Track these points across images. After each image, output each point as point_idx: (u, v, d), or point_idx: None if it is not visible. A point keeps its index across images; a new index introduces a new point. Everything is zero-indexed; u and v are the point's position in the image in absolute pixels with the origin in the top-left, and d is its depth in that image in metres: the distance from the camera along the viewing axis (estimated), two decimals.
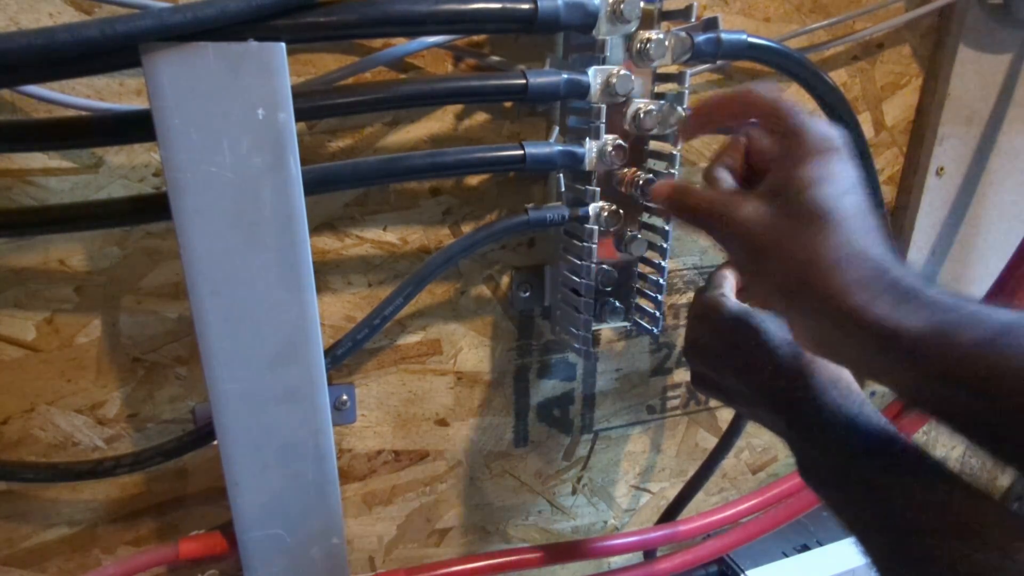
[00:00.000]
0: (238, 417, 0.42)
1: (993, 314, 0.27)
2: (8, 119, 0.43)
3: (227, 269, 0.38)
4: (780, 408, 0.38)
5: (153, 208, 0.44)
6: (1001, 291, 0.63)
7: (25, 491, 0.52)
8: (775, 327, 0.39)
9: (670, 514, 0.71)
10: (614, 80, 0.47)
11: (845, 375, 0.38)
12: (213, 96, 0.35)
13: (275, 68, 0.36)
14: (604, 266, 0.54)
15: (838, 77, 0.65)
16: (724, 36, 0.49)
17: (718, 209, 0.35)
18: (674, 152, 0.51)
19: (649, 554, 0.69)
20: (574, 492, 0.72)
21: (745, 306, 0.42)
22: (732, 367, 0.41)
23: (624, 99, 0.49)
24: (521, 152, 0.48)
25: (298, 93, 0.39)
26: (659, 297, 0.55)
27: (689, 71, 0.51)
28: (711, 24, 0.48)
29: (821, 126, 0.33)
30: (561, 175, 0.52)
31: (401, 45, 0.49)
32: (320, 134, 0.50)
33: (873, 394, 0.81)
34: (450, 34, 0.49)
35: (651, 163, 0.53)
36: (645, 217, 0.55)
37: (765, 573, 0.73)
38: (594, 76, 0.47)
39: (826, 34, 0.62)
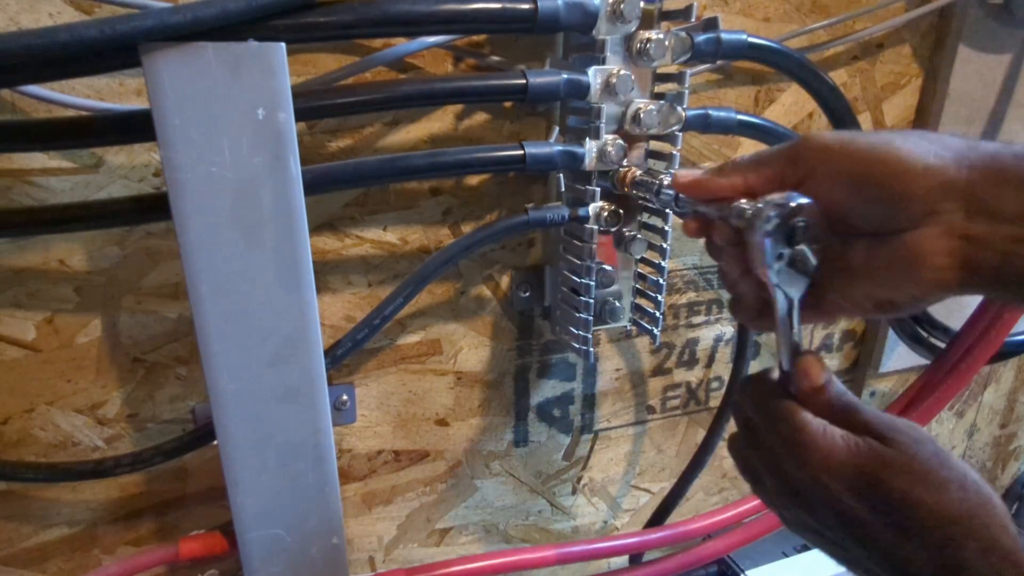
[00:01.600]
0: (238, 417, 0.42)
1: None
2: (8, 119, 0.43)
3: (227, 269, 0.38)
4: None
5: (153, 208, 0.44)
6: None
7: (25, 491, 0.52)
8: (923, 478, 0.29)
9: (658, 518, 0.71)
10: (614, 80, 0.47)
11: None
12: (213, 96, 0.35)
13: (275, 68, 0.36)
14: (604, 266, 0.54)
15: (838, 77, 0.65)
16: (724, 36, 0.49)
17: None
18: (674, 152, 0.51)
19: (635, 558, 0.69)
20: (574, 492, 0.72)
21: (872, 451, 0.30)
22: (853, 533, 0.30)
23: (624, 99, 0.49)
24: (521, 152, 0.48)
25: (298, 93, 0.39)
26: (659, 297, 0.55)
27: (689, 71, 0.51)
28: (711, 24, 0.48)
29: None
30: (561, 175, 0.52)
31: (401, 45, 0.49)
32: (320, 134, 0.50)
33: (873, 394, 0.81)
34: (450, 34, 0.49)
35: (651, 163, 0.53)
36: (645, 217, 0.55)
37: (765, 573, 0.73)
38: (594, 76, 0.47)
39: (826, 34, 0.62)
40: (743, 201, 0.33)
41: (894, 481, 0.28)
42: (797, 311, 0.33)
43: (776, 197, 0.32)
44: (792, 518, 0.34)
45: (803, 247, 0.32)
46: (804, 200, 0.31)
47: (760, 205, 0.32)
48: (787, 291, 0.33)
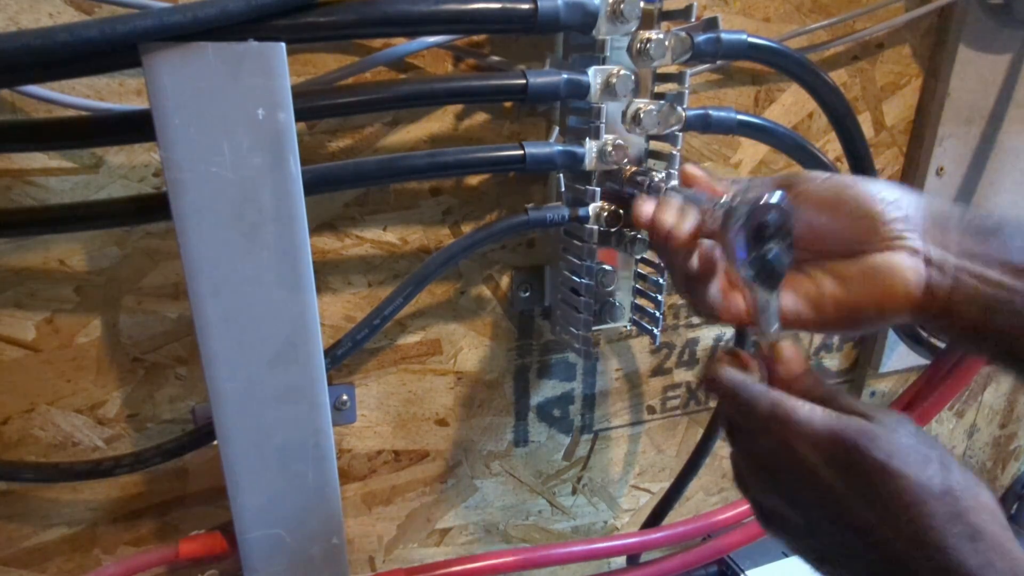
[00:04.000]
0: (238, 417, 0.42)
1: None
2: (8, 119, 0.43)
3: (227, 269, 0.38)
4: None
5: (153, 208, 0.44)
6: None
7: (25, 491, 0.52)
8: (910, 455, 0.28)
9: (655, 519, 0.72)
10: (614, 80, 0.47)
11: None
12: (213, 96, 0.35)
13: (275, 68, 0.36)
14: (604, 266, 0.54)
15: (838, 77, 0.65)
16: (724, 36, 0.49)
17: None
18: (674, 152, 0.51)
19: (634, 558, 0.69)
20: (574, 492, 0.72)
21: (852, 422, 0.29)
22: (831, 513, 0.29)
23: (624, 99, 0.49)
24: (521, 152, 0.48)
25: (298, 93, 0.39)
26: (659, 297, 0.55)
27: (689, 71, 0.51)
28: (711, 24, 0.48)
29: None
30: (561, 175, 0.52)
31: (401, 45, 0.49)
32: (320, 134, 0.50)
33: (873, 394, 0.81)
34: (450, 34, 0.49)
35: (651, 163, 0.53)
36: None
37: (765, 573, 0.73)
38: (594, 76, 0.47)
39: (826, 34, 0.62)
40: (719, 200, 0.34)
41: (872, 452, 0.28)
42: (774, 306, 0.33)
43: (750, 196, 0.32)
44: (771, 508, 0.33)
45: (775, 244, 0.32)
46: (774, 198, 0.32)
47: (735, 203, 0.32)
48: (761, 287, 0.33)
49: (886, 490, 0.28)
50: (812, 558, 0.32)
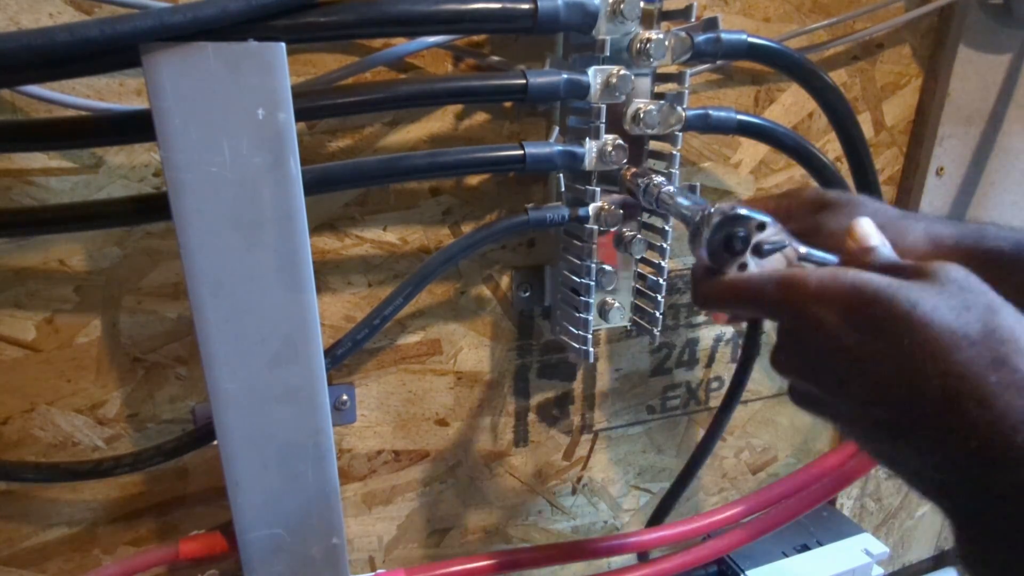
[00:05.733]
0: (238, 417, 0.42)
1: None
2: (8, 119, 0.43)
3: (227, 269, 0.38)
4: (954, 443, 0.26)
5: (153, 208, 0.44)
6: None
7: (25, 491, 0.52)
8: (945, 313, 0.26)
9: (656, 518, 0.71)
10: (614, 80, 0.47)
11: None
12: (213, 96, 0.35)
13: (275, 68, 0.36)
14: (604, 266, 0.54)
15: (838, 77, 0.65)
16: (724, 36, 0.49)
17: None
18: (674, 152, 0.51)
19: (643, 556, 0.69)
20: (574, 492, 0.72)
21: (872, 278, 0.27)
22: (871, 385, 0.27)
23: (624, 99, 0.49)
24: (521, 152, 0.48)
25: (298, 93, 0.39)
26: (659, 297, 0.55)
27: (689, 71, 0.51)
28: (711, 24, 0.49)
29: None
30: (561, 175, 0.52)
31: (401, 45, 0.49)
32: (320, 134, 0.50)
33: None
34: (450, 34, 0.49)
35: (651, 163, 0.53)
36: (645, 217, 0.55)
37: (765, 573, 0.73)
38: (594, 76, 0.47)
39: (826, 34, 0.62)
40: (704, 208, 0.33)
41: (893, 304, 0.26)
42: (815, 254, 0.33)
43: (724, 206, 0.32)
44: (802, 391, 0.32)
45: (773, 246, 0.32)
46: (743, 211, 0.31)
47: (710, 211, 0.32)
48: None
49: (910, 341, 0.26)
50: (857, 438, 0.30)
